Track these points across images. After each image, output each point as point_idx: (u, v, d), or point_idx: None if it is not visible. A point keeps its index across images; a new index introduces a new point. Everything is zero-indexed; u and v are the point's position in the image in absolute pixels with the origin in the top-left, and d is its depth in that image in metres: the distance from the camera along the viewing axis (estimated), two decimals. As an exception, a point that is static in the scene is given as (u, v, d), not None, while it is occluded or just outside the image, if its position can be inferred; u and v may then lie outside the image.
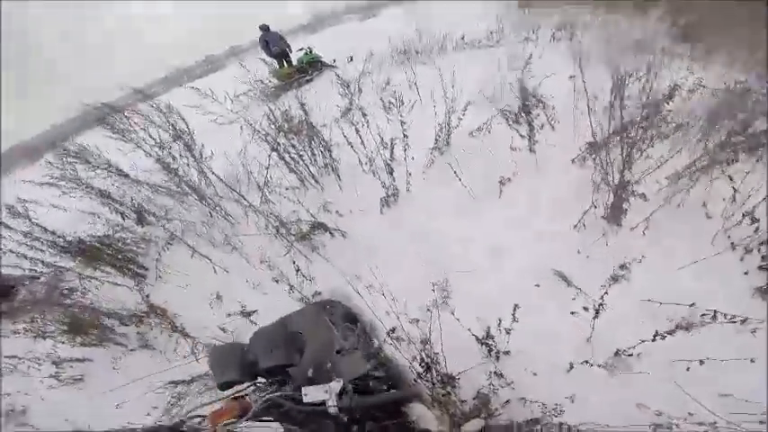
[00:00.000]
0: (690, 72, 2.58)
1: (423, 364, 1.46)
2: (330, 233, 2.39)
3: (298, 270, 2.15)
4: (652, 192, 1.94)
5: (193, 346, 2.16)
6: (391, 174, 2.41)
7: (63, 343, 2.43)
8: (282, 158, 2.71)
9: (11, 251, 2.72)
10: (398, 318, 1.63)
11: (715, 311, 1.37)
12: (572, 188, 2.32)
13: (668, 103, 2.15)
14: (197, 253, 2.44)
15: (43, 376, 2.43)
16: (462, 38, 5.90)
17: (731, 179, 1.80)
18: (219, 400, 0.90)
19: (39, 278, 3.25)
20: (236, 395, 0.90)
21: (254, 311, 2.13)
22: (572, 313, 1.68)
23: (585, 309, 1.65)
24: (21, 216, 2.71)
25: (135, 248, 2.99)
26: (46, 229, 2.78)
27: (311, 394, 0.86)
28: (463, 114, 2.64)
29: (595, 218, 2.05)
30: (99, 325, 2.48)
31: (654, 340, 1.36)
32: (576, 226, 2.08)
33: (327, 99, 3.83)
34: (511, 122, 2.58)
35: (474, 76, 3.55)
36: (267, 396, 0.88)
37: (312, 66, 6.66)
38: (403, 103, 2.33)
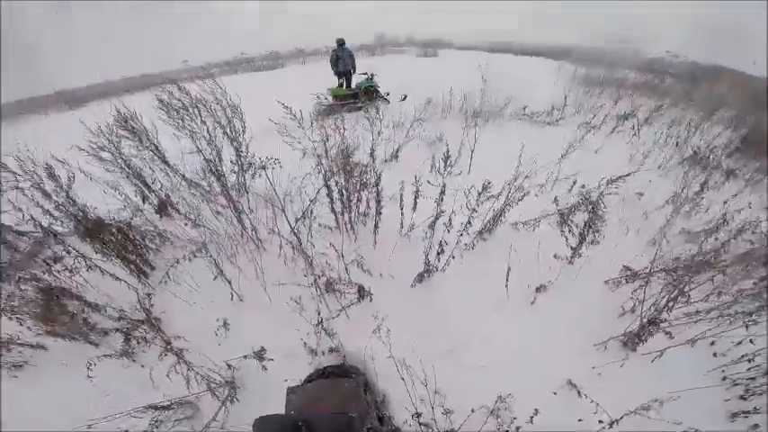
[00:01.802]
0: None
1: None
2: (363, 298, 2.51)
3: (320, 322, 2.27)
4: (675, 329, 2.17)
5: (189, 374, 2.03)
6: (440, 254, 2.56)
7: (29, 329, 2.31)
8: (330, 196, 2.88)
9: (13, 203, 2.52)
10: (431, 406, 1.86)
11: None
12: (601, 309, 2.57)
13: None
14: (221, 275, 2.53)
15: None
16: (524, 108, 6.22)
17: (747, 328, 2.02)
18: None
19: (24, 235, 3.08)
20: None
21: (264, 352, 2.18)
22: (579, 420, 1.93)
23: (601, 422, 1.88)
24: (56, 181, 2.75)
25: (149, 243, 3.07)
26: (74, 201, 2.79)
27: None
28: (517, 203, 2.83)
29: (616, 341, 2.30)
30: (74, 315, 2.35)
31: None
32: (597, 345, 2.32)
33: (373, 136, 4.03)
34: (562, 228, 2.76)
35: (527, 157, 3.75)
36: None
37: (367, 94, 7.02)
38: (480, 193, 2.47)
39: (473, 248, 2.89)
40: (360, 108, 6.51)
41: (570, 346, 2.35)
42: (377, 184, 2.77)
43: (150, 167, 3.39)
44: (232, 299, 2.59)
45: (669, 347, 2.05)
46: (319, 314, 2.32)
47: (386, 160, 4.17)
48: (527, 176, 3.11)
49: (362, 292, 2.48)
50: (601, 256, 2.84)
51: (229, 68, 16.06)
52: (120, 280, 2.68)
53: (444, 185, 2.49)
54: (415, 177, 2.55)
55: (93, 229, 2.70)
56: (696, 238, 3.05)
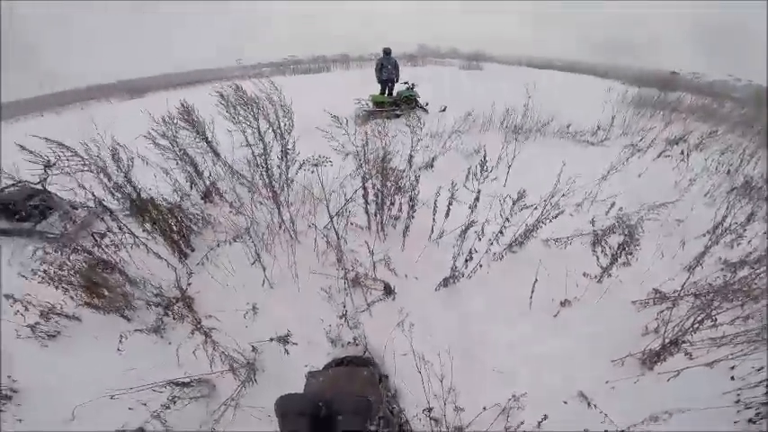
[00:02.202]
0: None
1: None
2: (388, 294, 2.60)
3: (344, 314, 2.38)
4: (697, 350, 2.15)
5: (213, 353, 2.12)
6: (467, 261, 2.61)
7: (72, 299, 2.48)
8: (365, 197, 2.99)
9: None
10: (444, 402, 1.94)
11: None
12: (624, 327, 2.55)
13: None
14: (259, 261, 2.70)
15: (21, 323, 2.42)
16: (568, 126, 6.13)
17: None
18: None
19: (77, 209, 3.53)
20: None
21: (289, 336, 2.30)
22: (585, 430, 1.94)
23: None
24: (120, 162, 3.02)
25: (193, 226, 3.30)
26: (130, 181, 2.96)
27: None
28: (551, 220, 2.83)
29: (634, 358, 2.30)
30: (118, 290, 2.50)
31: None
32: (614, 361, 2.32)
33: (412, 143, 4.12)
34: (595, 248, 2.73)
35: (566, 176, 3.71)
36: None
37: (406, 102, 7.16)
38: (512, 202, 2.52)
39: (501, 259, 2.91)
40: (399, 116, 6.66)
41: (587, 359, 2.35)
42: (412, 189, 2.85)
43: (203, 157, 3.67)
44: (263, 285, 2.74)
45: (687, 368, 2.04)
46: (344, 306, 2.42)
47: (420, 168, 4.25)
48: (564, 195, 3.09)
49: (388, 289, 2.56)
50: (631, 279, 2.82)
51: (278, 70, 16.93)
52: (161, 258, 2.89)
53: (479, 191, 2.53)
54: (452, 182, 2.61)
55: (146, 208, 2.93)
56: (734, 267, 2.93)
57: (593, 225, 2.93)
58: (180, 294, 2.52)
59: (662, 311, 2.47)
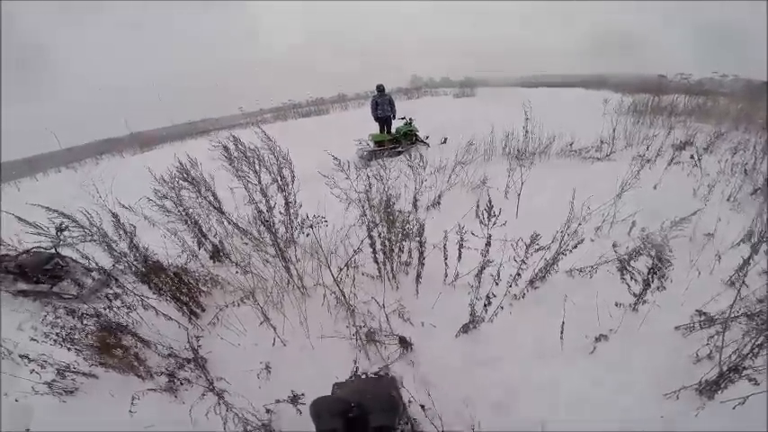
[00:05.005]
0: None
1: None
2: (406, 350, 2.41)
3: (355, 372, 2.19)
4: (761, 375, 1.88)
5: (228, 416, 1.99)
6: (486, 306, 2.43)
7: (85, 360, 2.48)
8: (372, 246, 2.85)
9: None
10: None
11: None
12: (672, 357, 2.31)
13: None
14: (267, 321, 2.56)
15: (37, 381, 2.39)
16: (570, 144, 6.01)
17: None
18: None
19: (92, 271, 3.58)
20: None
21: (300, 398, 2.13)
22: None
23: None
24: (124, 231, 3.04)
25: (202, 287, 3.22)
26: (136, 247, 3.01)
27: None
28: (572, 250, 2.65)
29: (690, 390, 2.03)
30: (128, 349, 2.49)
31: None
32: (668, 394, 2.06)
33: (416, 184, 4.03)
34: (623, 275, 2.52)
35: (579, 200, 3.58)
36: None
37: (407, 138, 7.14)
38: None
39: (523, 298, 2.71)
40: (400, 153, 6.60)
41: (635, 397, 2.10)
42: (420, 234, 2.71)
43: (207, 215, 3.63)
44: (274, 344, 2.60)
45: (753, 394, 1.77)
46: (356, 363, 2.25)
47: (428, 207, 4.15)
48: (580, 223, 2.91)
49: (404, 344, 2.38)
50: (670, 302, 2.58)
51: (279, 115, 17.49)
52: (172, 320, 2.84)
53: (490, 236, 2.39)
54: (459, 226, 2.48)
55: (152, 273, 2.91)
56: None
57: (615, 250, 2.73)
58: (192, 355, 2.45)
59: (711, 336, 2.23)
